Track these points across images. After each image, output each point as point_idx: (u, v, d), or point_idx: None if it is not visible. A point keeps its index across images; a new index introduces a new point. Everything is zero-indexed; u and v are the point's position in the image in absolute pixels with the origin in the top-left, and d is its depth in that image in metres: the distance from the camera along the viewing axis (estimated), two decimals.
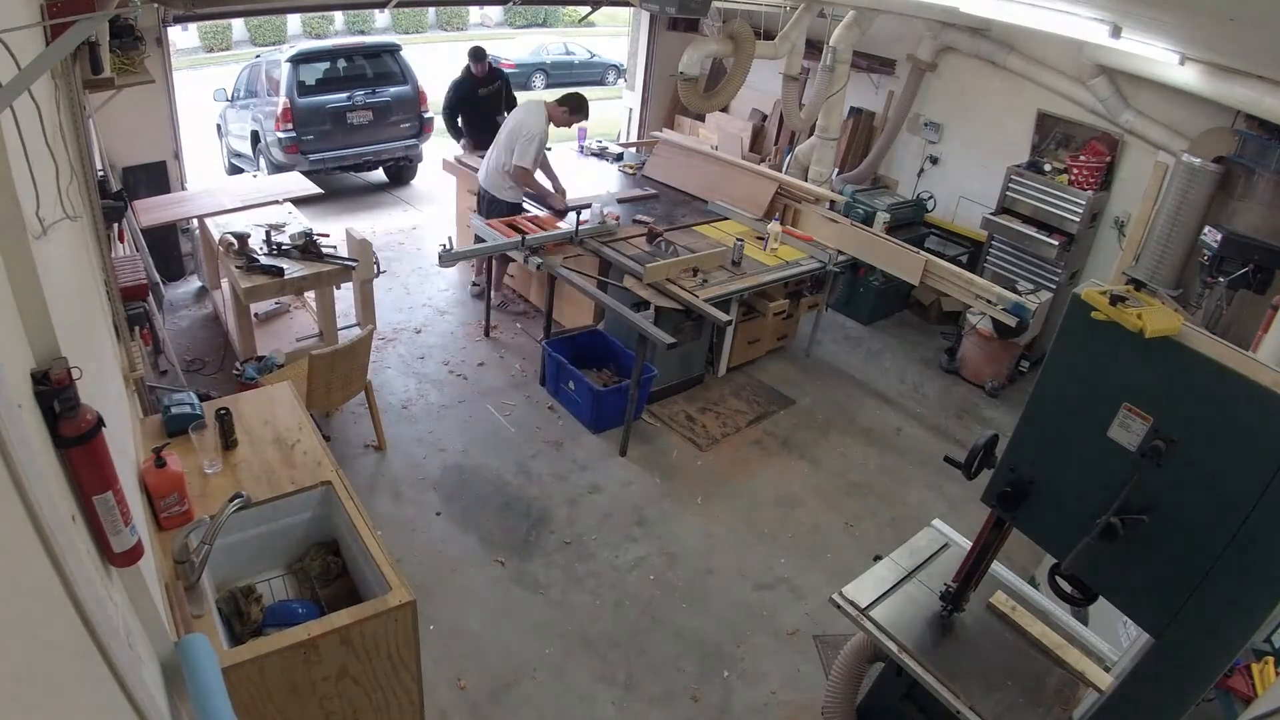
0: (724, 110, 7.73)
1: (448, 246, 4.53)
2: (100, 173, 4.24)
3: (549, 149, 5.62)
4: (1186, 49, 3.97)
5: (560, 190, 5.56)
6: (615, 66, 16.41)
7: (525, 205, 5.51)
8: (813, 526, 4.14)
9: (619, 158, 6.85)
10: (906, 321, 6.55)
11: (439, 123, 7.83)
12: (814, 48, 6.37)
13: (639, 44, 8.01)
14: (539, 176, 5.44)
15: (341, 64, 8.00)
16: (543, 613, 3.47)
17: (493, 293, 5.70)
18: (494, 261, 5.59)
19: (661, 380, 4.88)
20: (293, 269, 4.26)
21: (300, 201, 5.31)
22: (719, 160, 6.22)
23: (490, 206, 5.45)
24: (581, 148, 7.04)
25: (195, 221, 5.60)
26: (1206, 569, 1.63)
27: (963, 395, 5.55)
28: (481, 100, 6.42)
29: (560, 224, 5.13)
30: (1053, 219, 5.40)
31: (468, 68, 6.35)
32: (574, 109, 5.33)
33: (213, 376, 4.84)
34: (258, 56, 8.63)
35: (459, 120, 6.48)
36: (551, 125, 5.29)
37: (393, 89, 8.05)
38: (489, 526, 3.90)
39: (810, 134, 6.48)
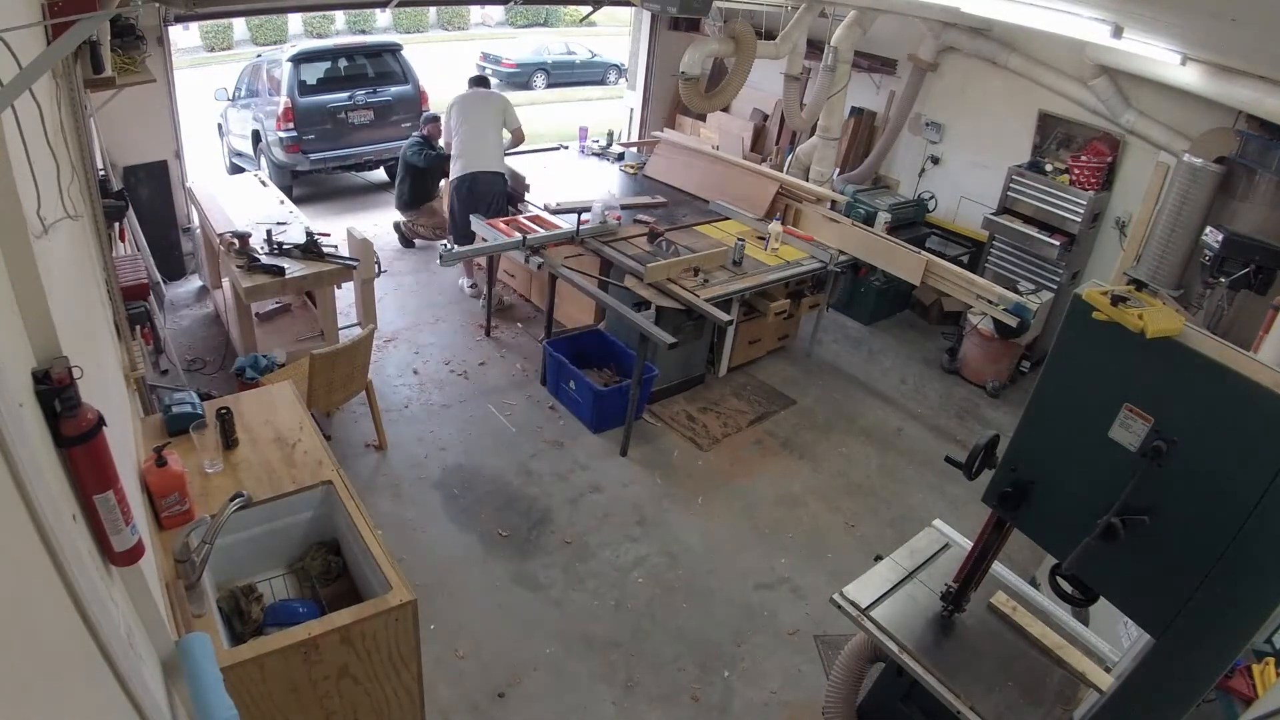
0: (725, 110, 7.73)
1: (448, 246, 4.54)
2: (101, 172, 4.24)
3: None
4: (1188, 49, 3.96)
5: None
6: (616, 66, 16.41)
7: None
8: (813, 526, 4.14)
9: (620, 158, 6.85)
10: (907, 322, 6.55)
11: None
12: (815, 47, 6.37)
13: (640, 44, 8.01)
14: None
15: (342, 63, 8.00)
16: (543, 612, 3.47)
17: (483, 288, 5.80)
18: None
19: (662, 380, 4.88)
20: (294, 268, 4.26)
21: (301, 201, 5.31)
22: (720, 160, 6.22)
23: (495, 188, 5.59)
24: (582, 148, 7.04)
25: (196, 220, 5.61)
26: (1207, 570, 1.63)
27: (964, 396, 5.55)
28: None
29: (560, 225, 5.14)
30: (1054, 219, 5.40)
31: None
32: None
33: (213, 376, 4.84)
34: (259, 56, 8.63)
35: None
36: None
37: (394, 88, 8.05)
38: (490, 526, 3.90)
39: (811, 134, 6.48)
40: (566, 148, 7.03)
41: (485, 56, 16.13)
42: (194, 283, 6.02)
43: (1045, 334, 5.53)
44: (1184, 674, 1.74)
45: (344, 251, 4.52)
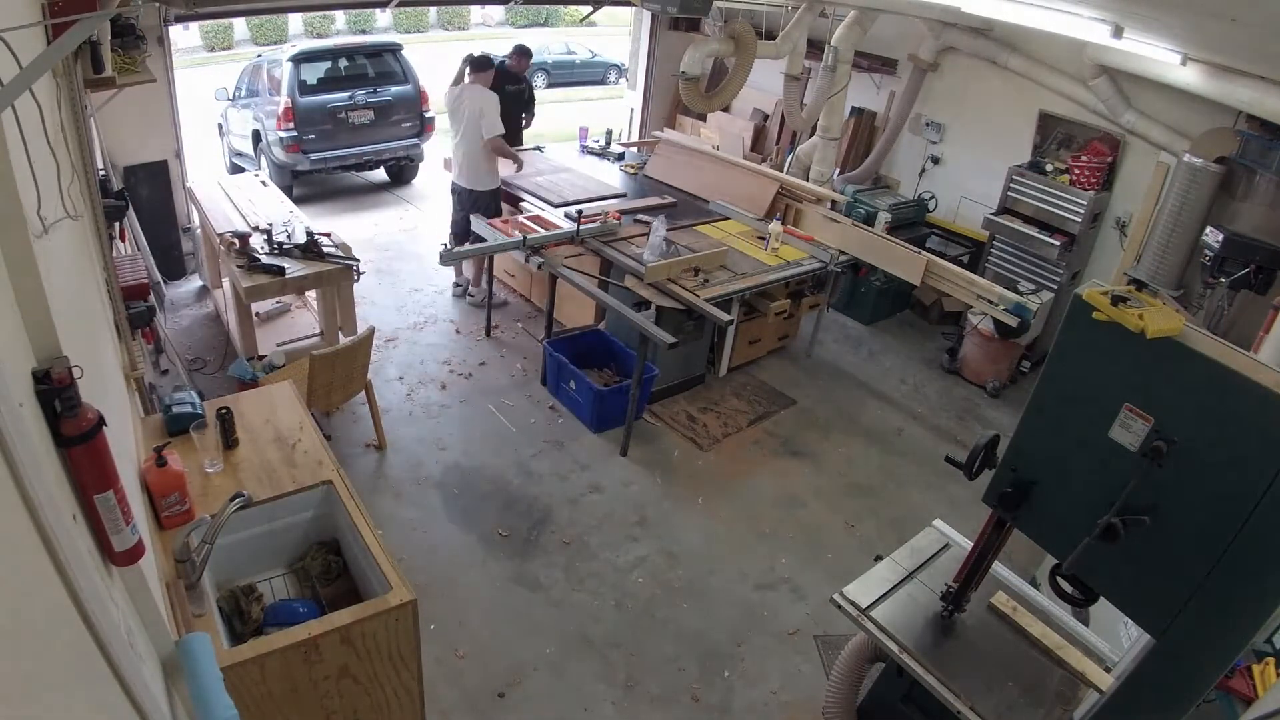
0: (725, 110, 7.73)
1: (448, 246, 4.54)
2: (102, 172, 4.24)
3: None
4: (1188, 49, 3.96)
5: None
6: (616, 66, 16.41)
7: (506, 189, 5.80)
8: (814, 526, 4.14)
9: (620, 157, 6.85)
10: (908, 322, 6.54)
11: (440, 122, 7.85)
12: (815, 47, 6.36)
13: (640, 44, 8.02)
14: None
15: (343, 63, 8.00)
16: (543, 612, 3.47)
17: (474, 289, 5.88)
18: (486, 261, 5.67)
19: (663, 380, 4.87)
20: (294, 268, 4.26)
21: (301, 201, 5.31)
22: (720, 160, 6.22)
23: (474, 203, 5.60)
24: (583, 147, 7.04)
25: (196, 220, 5.61)
26: (1207, 570, 1.63)
27: (964, 396, 5.55)
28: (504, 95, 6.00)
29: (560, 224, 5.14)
30: (1054, 219, 5.40)
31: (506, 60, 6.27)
32: (488, 65, 5.56)
33: (214, 376, 4.85)
34: (259, 56, 8.63)
35: None
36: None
37: (394, 88, 8.05)
38: (490, 526, 3.90)
39: (812, 134, 6.48)
40: (541, 149, 6.84)
41: None
42: (194, 283, 6.02)
43: (1045, 334, 5.53)
44: (1184, 674, 1.74)
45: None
